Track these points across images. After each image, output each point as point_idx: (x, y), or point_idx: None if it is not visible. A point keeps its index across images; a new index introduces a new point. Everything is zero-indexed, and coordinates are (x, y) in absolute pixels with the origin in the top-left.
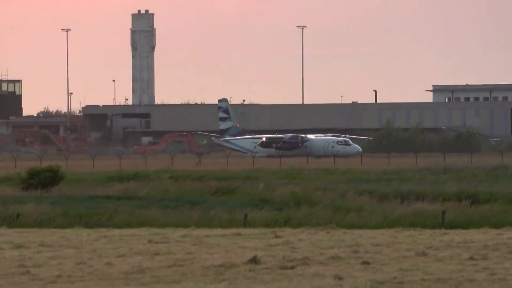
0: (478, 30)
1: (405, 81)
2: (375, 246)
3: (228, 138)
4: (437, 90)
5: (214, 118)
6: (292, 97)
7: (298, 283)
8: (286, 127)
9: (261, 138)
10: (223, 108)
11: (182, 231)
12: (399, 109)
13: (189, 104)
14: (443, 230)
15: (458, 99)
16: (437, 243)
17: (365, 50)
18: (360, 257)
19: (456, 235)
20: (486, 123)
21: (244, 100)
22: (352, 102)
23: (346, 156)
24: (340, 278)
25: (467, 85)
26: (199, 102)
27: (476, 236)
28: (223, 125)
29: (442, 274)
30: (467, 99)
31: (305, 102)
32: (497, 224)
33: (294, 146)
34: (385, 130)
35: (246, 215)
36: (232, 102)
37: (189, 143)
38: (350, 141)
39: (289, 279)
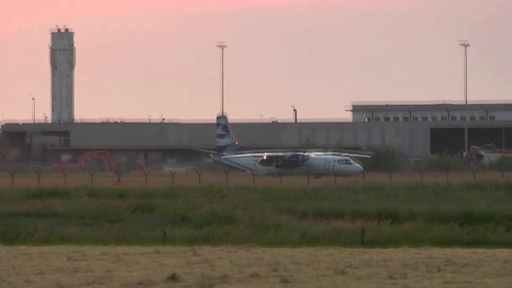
0: (398, 49)
1: (324, 99)
2: (294, 264)
3: (227, 155)
4: (356, 109)
5: (134, 136)
6: (212, 115)
7: None
8: (205, 145)
9: (260, 156)
10: (222, 125)
11: (101, 249)
12: (319, 128)
13: (109, 122)
14: (362, 249)
15: (377, 118)
16: (356, 262)
17: (284, 69)
18: (280, 275)
19: (376, 254)
20: (406, 142)
21: (163, 119)
22: (272, 121)
23: (347, 175)
24: None
25: (387, 104)
26: (118, 120)
27: (395, 254)
28: (222, 142)
29: None
30: (387, 118)
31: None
32: (416, 243)
33: (295, 165)
34: (303, 148)
35: (164, 232)
36: (152, 120)
37: (109, 161)
38: (351, 159)
39: None
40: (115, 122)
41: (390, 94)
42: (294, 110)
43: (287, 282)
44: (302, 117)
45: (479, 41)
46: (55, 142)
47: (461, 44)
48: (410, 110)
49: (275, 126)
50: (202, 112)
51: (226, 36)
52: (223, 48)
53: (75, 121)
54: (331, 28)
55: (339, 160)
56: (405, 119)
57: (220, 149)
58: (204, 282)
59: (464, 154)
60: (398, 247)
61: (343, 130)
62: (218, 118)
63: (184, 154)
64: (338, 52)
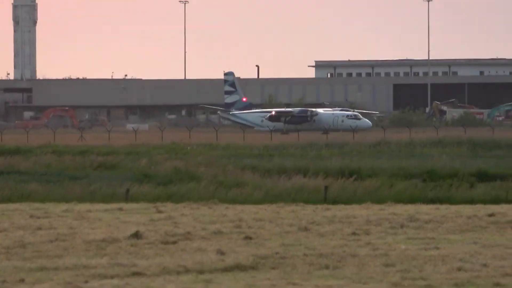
0: (360, 5)
1: (287, 56)
2: (257, 221)
3: (234, 112)
4: (319, 65)
5: (97, 93)
6: (174, 73)
7: (180, 258)
8: (168, 102)
9: (268, 112)
10: (230, 81)
11: (64, 206)
12: (281, 84)
13: (71, 79)
14: (325, 206)
15: (340, 74)
16: (319, 218)
17: (247, 25)
18: (243, 232)
19: (339, 211)
20: (369, 99)
21: (126, 75)
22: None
23: (356, 130)
24: (223, 253)
25: (349, 60)
26: (81, 77)
27: (359, 211)
28: (229, 99)
29: (324, 249)
30: (350, 75)
31: (187, 77)
32: (379, 200)
33: (303, 120)
34: (267, 105)
35: (128, 190)
36: (114, 77)
37: (71, 118)
38: (360, 115)
39: (171, 254)
40: (78, 79)
41: (353, 51)
42: (257, 66)
43: (250, 238)
44: (266, 75)
45: None
46: (17, 99)
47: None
48: (373, 66)
49: (238, 82)
50: (165, 69)
51: None
52: (185, 4)
53: (38, 78)
54: None
55: (348, 116)
56: (368, 75)
57: (228, 106)
58: (167, 239)
59: (427, 110)
60: (361, 204)
61: (306, 86)
62: (225, 74)
63: (147, 111)
64: (300, 10)
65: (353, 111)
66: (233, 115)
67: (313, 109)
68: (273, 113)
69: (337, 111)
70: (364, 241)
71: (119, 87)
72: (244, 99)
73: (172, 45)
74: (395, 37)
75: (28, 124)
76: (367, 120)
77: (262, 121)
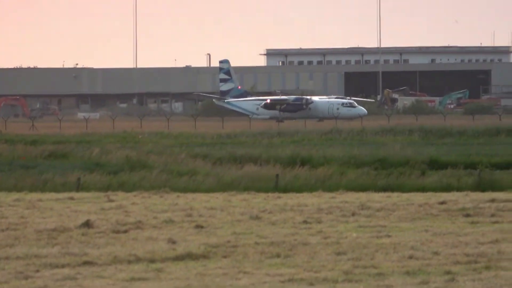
0: None
1: (239, 45)
2: (208, 210)
3: (229, 99)
4: (270, 54)
5: (48, 82)
6: (125, 61)
7: (131, 247)
8: (120, 91)
9: (263, 100)
10: (225, 69)
11: (14, 195)
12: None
13: (22, 68)
14: (276, 194)
15: (292, 63)
16: (271, 207)
17: (198, 14)
18: (194, 221)
19: (290, 199)
20: (320, 87)
21: (77, 64)
22: (186, 65)
23: (351, 118)
24: (174, 242)
25: (300, 48)
26: (32, 66)
27: (310, 199)
28: (224, 87)
29: (275, 237)
30: (301, 62)
31: (138, 66)
32: (330, 188)
33: (299, 108)
34: (218, 93)
35: (79, 179)
36: (65, 66)
37: (22, 107)
38: (355, 103)
39: (122, 243)
40: (28, 68)
41: (305, 40)
42: (208, 54)
43: (202, 227)
44: (217, 64)
45: None
46: None
47: None
48: (324, 54)
49: (189, 71)
50: (116, 58)
51: None
52: None
53: None
54: None
55: (343, 104)
56: (319, 63)
57: (223, 94)
58: (118, 228)
59: (378, 98)
60: (313, 192)
61: (257, 74)
62: (220, 62)
63: (98, 100)
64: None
65: (349, 98)
66: (228, 103)
67: (309, 97)
68: (268, 101)
69: (332, 99)
70: (316, 230)
71: (70, 76)
72: (239, 87)
73: (123, 34)
74: (346, 25)
75: None
76: (362, 108)
77: (257, 109)
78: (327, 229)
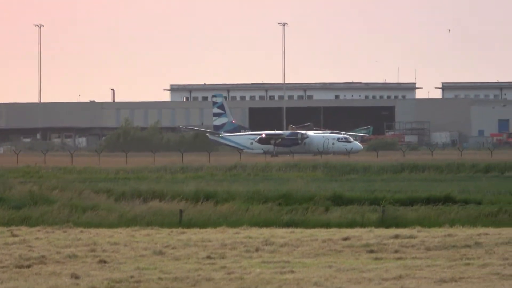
0: (215, 29)
1: (143, 80)
2: (112, 245)
3: (223, 134)
4: (175, 89)
5: None
6: (29, 96)
7: (34, 282)
8: (23, 126)
9: (257, 134)
10: (218, 103)
11: None
12: (137, 107)
13: None
14: (180, 229)
15: (196, 98)
16: (174, 242)
17: (103, 49)
18: (97, 256)
19: (194, 234)
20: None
21: None
22: (90, 100)
23: (347, 153)
24: (77, 277)
25: (205, 84)
26: None
27: (214, 235)
28: (218, 121)
29: (179, 273)
30: (205, 98)
31: (43, 101)
32: (234, 223)
33: (294, 143)
34: (122, 128)
35: None
36: None
37: None
38: (350, 138)
39: (26, 278)
40: None
41: (209, 75)
42: (112, 89)
43: (105, 262)
44: (121, 99)
45: (298, 22)
46: None
47: (279, 23)
48: (228, 90)
49: (93, 106)
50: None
51: (44, 15)
52: (40, 27)
53: None
54: (151, 9)
55: (338, 139)
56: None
57: (216, 128)
58: (21, 262)
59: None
60: (217, 227)
61: (162, 110)
62: (214, 96)
63: (1, 134)
64: (155, 33)
65: (344, 133)
66: (223, 137)
67: (304, 132)
68: (263, 135)
69: (328, 134)
70: (219, 265)
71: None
72: (233, 121)
73: (27, 69)
74: (250, 61)
75: None
76: (357, 142)
77: (251, 143)
78: (230, 264)
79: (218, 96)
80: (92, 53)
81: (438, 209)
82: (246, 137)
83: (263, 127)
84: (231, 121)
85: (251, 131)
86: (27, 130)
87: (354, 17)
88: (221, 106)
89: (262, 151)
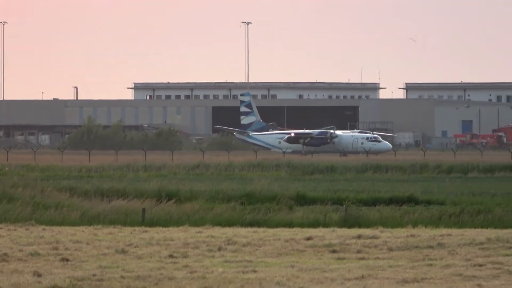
0: (179, 27)
1: (106, 78)
2: (74, 243)
3: (251, 133)
4: (138, 87)
5: None
6: None
7: None
8: None
9: (286, 133)
10: (246, 102)
11: None
12: (100, 106)
13: None
14: (143, 228)
15: (159, 97)
16: (137, 241)
17: (66, 46)
18: (60, 254)
19: (156, 233)
20: (188, 121)
21: None
22: (53, 98)
23: (376, 153)
24: (39, 275)
25: (168, 82)
26: None
27: (176, 234)
28: (245, 120)
29: (141, 271)
30: (169, 97)
31: (6, 98)
32: (197, 222)
33: (323, 142)
34: (85, 126)
35: None
36: None
37: None
38: (380, 137)
39: None
40: None
41: (172, 74)
42: (75, 87)
43: (67, 260)
44: (84, 97)
45: (262, 22)
46: None
47: (242, 22)
48: (192, 89)
49: (56, 104)
50: None
51: (7, 13)
52: (4, 24)
53: None
54: (114, 7)
55: (367, 138)
56: (187, 97)
57: (244, 127)
58: None
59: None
60: (179, 226)
61: (125, 108)
62: (241, 95)
63: None
64: (119, 32)
65: (372, 133)
66: (250, 136)
67: (333, 131)
68: (292, 134)
69: (356, 133)
70: (182, 264)
71: None
72: (261, 120)
73: None
74: (214, 60)
75: None
76: (387, 142)
77: (279, 142)
78: (193, 263)
79: (246, 95)
80: (55, 51)
81: (401, 209)
82: (274, 136)
83: (227, 126)
84: (259, 120)
85: (281, 130)
86: None
87: (318, 17)
88: (249, 105)
89: (290, 150)
